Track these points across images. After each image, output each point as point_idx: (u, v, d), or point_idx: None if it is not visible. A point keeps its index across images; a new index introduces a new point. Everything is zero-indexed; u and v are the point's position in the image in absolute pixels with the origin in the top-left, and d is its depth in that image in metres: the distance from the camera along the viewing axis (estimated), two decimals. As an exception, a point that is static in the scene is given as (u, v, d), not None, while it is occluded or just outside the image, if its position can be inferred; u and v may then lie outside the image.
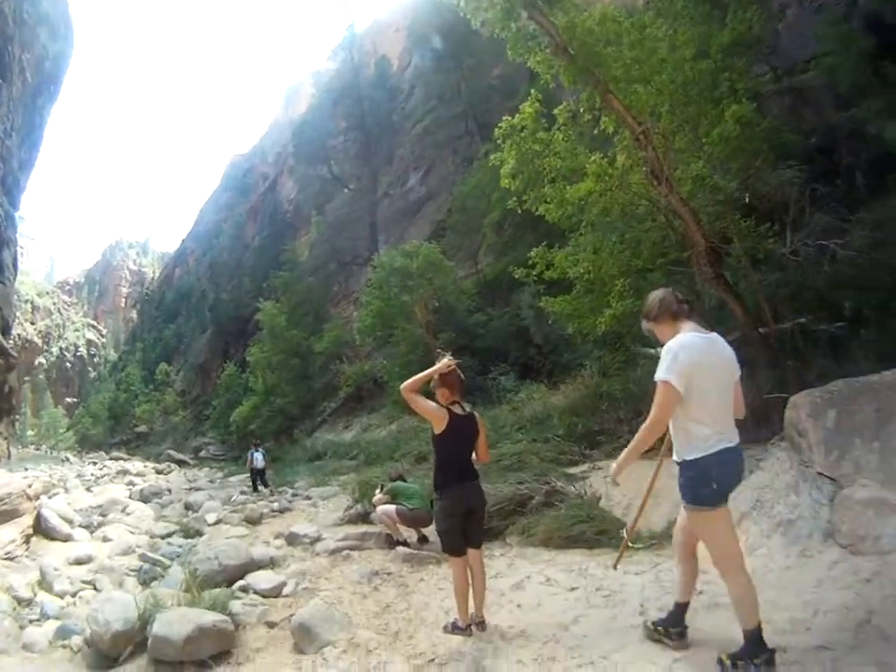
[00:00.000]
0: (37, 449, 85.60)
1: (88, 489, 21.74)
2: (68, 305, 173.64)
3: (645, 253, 10.18)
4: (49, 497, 18.05)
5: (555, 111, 10.47)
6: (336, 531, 9.61)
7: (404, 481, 9.18)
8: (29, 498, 10.83)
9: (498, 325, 20.85)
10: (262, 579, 6.90)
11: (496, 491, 7.82)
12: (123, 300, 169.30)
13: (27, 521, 10.44)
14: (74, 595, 7.51)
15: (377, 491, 9.04)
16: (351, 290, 40.83)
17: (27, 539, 10.16)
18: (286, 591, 6.57)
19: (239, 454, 34.50)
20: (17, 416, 78.04)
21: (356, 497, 11.02)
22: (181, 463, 37.81)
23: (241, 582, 6.90)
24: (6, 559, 9.20)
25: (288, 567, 7.71)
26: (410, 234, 33.65)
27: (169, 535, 11.47)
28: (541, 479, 8.28)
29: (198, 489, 20.13)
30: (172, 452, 41.79)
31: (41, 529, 10.82)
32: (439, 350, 5.08)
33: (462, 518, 4.57)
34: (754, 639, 3.11)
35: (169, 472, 29.92)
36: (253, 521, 12.26)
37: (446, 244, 26.00)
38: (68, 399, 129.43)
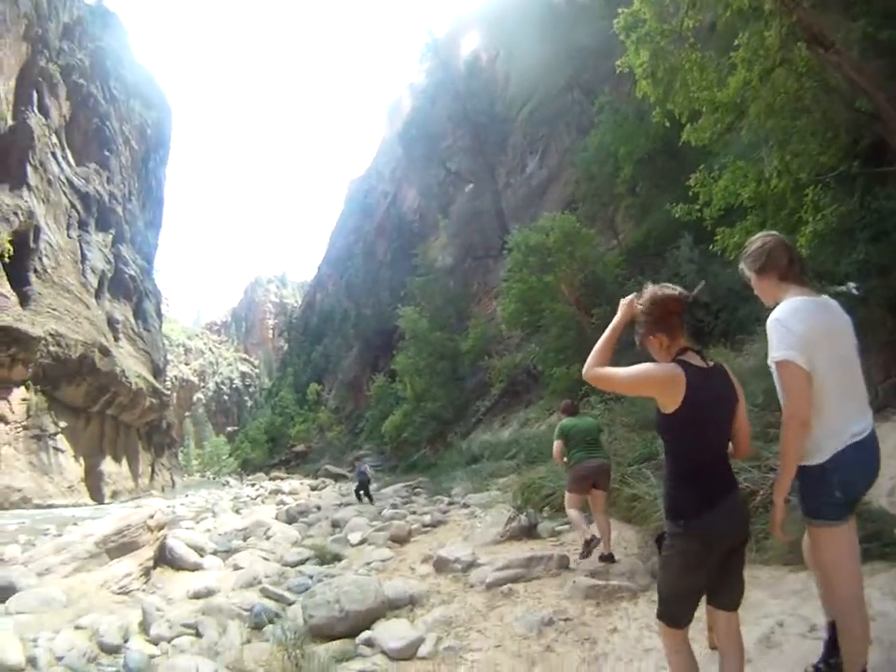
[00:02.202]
0: (202, 476, 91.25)
1: (237, 511, 21.62)
2: (219, 343, 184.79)
3: (833, 148, 7.85)
4: (197, 522, 18.17)
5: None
6: (495, 552, 7.81)
7: (575, 415, 7.15)
8: (150, 530, 10.42)
9: (654, 291, 18.38)
10: (394, 632, 5.17)
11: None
12: (270, 331, 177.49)
13: (147, 553, 9.90)
14: (170, 642, 6.35)
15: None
16: (490, 286, 39.40)
17: (146, 572, 9.55)
18: (423, 651, 4.81)
19: (396, 463, 34.27)
20: (180, 449, 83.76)
21: (518, 504, 9.20)
22: (338, 477, 37.44)
23: (367, 634, 5.36)
24: (120, 594, 8.62)
25: (432, 607, 6.00)
26: (540, 218, 31.99)
27: (302, 562, 10.22)
28: (760, 465, 5.64)
29: (348, 504, 19.03)
30: (329, 467, 41.53)
31: (167, 560, 10.42)
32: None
33: (713, 566, 2.63)
34: None
35: (323, 488, 29.34)
36: (400, 539, 10.74)
37: (580, 217, 23.79)
38: (229, 428, 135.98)
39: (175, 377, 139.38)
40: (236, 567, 10.11)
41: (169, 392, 57.96)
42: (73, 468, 32.17)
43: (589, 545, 6.11)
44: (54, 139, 37.50)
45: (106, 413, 37.59)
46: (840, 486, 2.61)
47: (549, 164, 39.06)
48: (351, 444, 51.80)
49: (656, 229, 20.42)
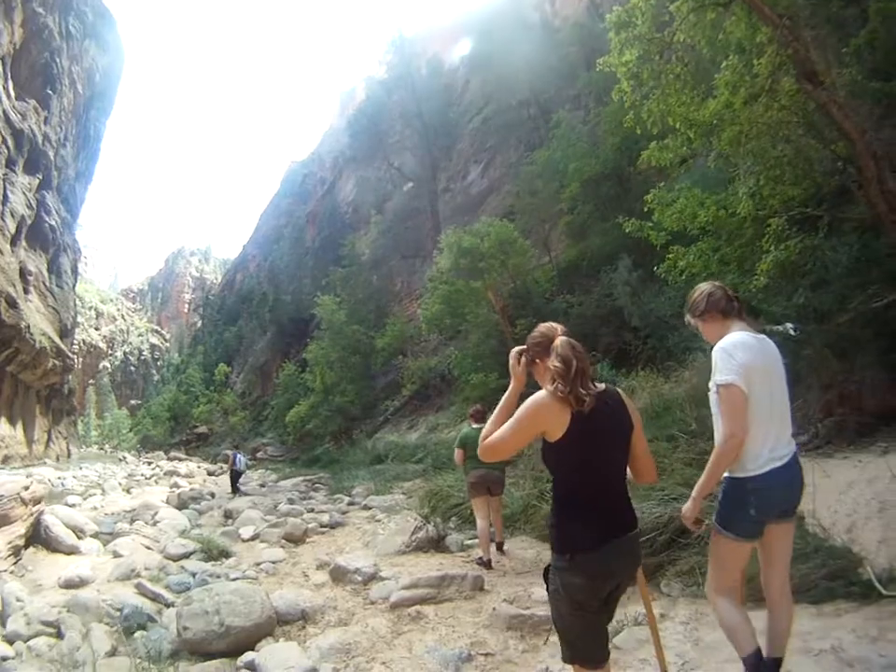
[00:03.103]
0: (100, 449, 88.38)
1: (128, 491, 20.59)
2: (132, 311, 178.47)
3: (805, 183, 7.79)
4: (85, 499, 17.09)
5: (672, 7, 8.14)
6: (400, 564, 7.20)
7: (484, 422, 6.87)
8: (24, 503, 9.16)
9: (583, 310, 18.11)
10: (282, 657, 4.42)
11: (638, 514, 5.11)
12: (186, 305, 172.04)
13: (19, 529, 8.83)
14: (27, 642, 5.57)
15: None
16: (414, 288, 38.99)
17: (16, 552, 8.59)
18: (316, 685, 4.14)
19: (297, 455, 33.44)
20: (80, 417, 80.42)
21: (424, 513, 8.60)
22: (237, 464, 35.94)
23: (250, 656, 4.65)
24: None
25: (327, 627, 5.35)
26: (477, 223, 31.86)
27: (187, 555, 9.41)
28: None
29: (244, 494, 18.16)
30: (229, 452, 40.16)
31: (41, 539, 9.40)
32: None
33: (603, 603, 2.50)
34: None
35: (221, 474, 27.97)
36: (295, 539, 10.08)
37: (516, 229, 23.72)
38: (132, 402, 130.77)
39: (83, 341, 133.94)
40: (116, 555, 9.36)
41: (74, 356, 54.86)
42: None
43: (483, 565, 6.43)
44: None
45: (6, 370, 34.62)
46: (756, 505, 2.84)
47: (491, 175, 39.04)
48: (254, 431, 50.63)
49: (592, 249, 20.29)
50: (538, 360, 2.62)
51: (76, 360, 61.17)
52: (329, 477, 21.06)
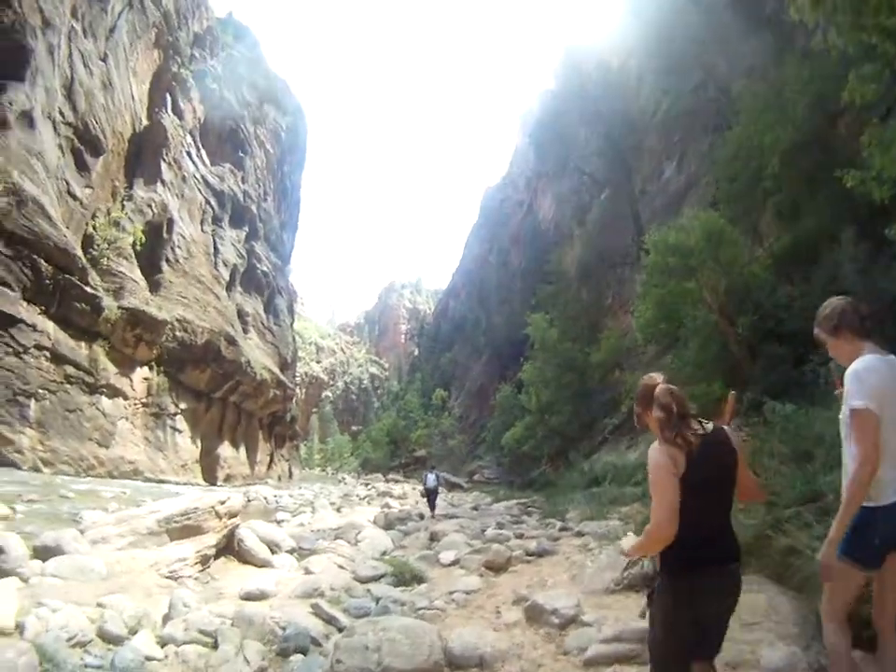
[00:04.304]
0: (322, 471, 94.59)
1: (338, 510, 21.35)
2: (351, 344, 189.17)
3: None
4: (294, 515, 17.67)
5: None
6: (606, 607, 6.19)
7: None
8: (218, 516, 9.93)
9: (807, 302, 15.80)
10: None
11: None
12: (402, 336, 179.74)
13: (210, 540, 9.49)
14: (179, 646, 5.59)
15: None
16: (625, 298, 37.19)
17: (204, 560, 9.14)
18: None
19: (513, 479, 32.94)
20: (304, 442, 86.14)
21: (639, 546, 7.38)
22: (454, 486, 36.46)
23: None
24: (168, 577, 8.17)
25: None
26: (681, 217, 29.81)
27: (377, 578, 9.12)
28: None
29: (454, 516, 17.89)
30: (447, 476, 40.48)
31: (234, 551, 10.19)
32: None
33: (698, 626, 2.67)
34: None
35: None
36: (496, 567, 9.34)
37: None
38: (354, 427, 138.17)
39: (306, 373, 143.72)
40: (307, 571, 9.40)
41: (295, 386, 59.58)
42: (189, 448, 33.32)
43: None
44: (188, 139, 39.17)
45: (229, 400, 38.58)
46: (881, 534, 2.83)
47: (686, 169, 36.48)
48: (472, 454, 50.95)
49: (807, 231, 17.85)
50: (646, 412, 3.00)
51: (298, 390, 65.97)
52: (544, 501, 20.32)
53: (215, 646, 5.60)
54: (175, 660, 5.26)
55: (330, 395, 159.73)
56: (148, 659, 5.21)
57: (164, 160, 35.15)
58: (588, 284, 41.32)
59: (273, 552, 10.50)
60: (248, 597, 7.56)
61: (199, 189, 39.20)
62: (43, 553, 8.36)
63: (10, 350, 22.48)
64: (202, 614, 6.29)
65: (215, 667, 4.94)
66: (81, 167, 28.63)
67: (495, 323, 63.24)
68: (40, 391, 23.64)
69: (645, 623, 4.55)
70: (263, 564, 9.79)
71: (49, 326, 24.28)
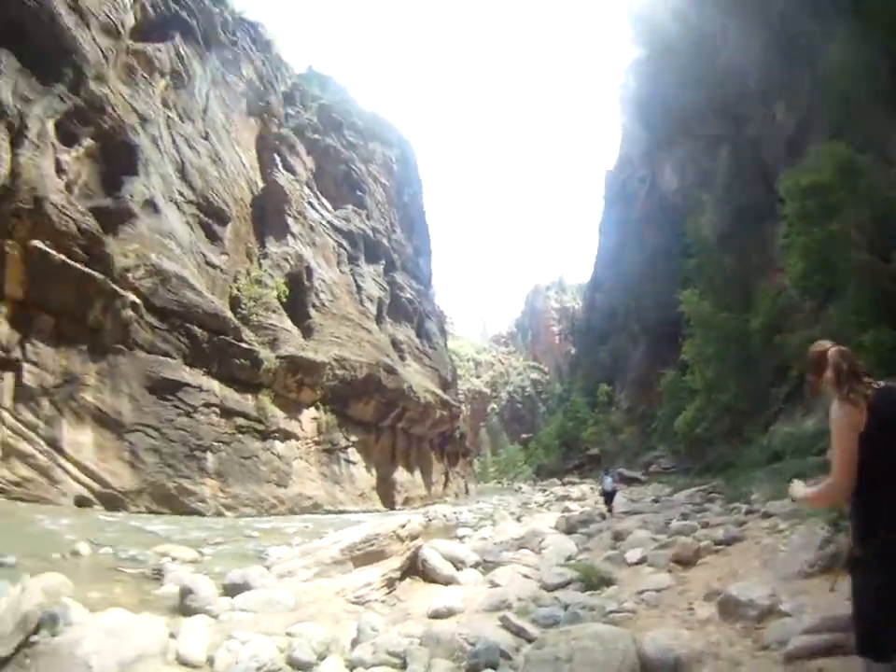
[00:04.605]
0: (498, 483, 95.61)
1: (518, 519, 21.22)
2: (507, 354, 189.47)
3: None
4: (476, 530, 17.88)
5: None
6: (804, 592, 5.65)
7: None
8: (400, 539, 10.23)
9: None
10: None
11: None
12: (556, 336, 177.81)
13: (394, 563, 9.65)
14: (367, 669, 5.66)
15: None
16: (771, 257, 34.89)
17: (389, 583, 9.26)
18: None
19: (689, 464, 31.89)
20: (476, 457, 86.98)
21: (833, 517, 6.88)
22: (631, 481, 35.55)
23: None
24: (354, 603, 8.35)
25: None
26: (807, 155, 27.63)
27: (564, 584, 8.80)
28: None
29: (636, 512, 17.36)
30: (622, 470, 39.44)
31: (419, 571, 10.07)
32: None
33: None
34: None
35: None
36: (684, 561, 8.89)
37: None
38: (523, 435, 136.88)
39: (468, 390, 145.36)
40: (493, 584, 9.26)
41: (460, 404, 60.51)
42: (364, 477, 34.69)
43: None
44: (306, 190, 41.32)
45: (397, 427, 39.93)
46: None
47: (797, 105, 33.64)
48: (644, 445, 49.54)
49: None
50: (819, 379, 2.90)
51: (463, 408, 66.78)
52: (724, 484, 19.36)
53: (403, 666, 5.61)
54: None
55: (496, 406, 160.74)
56: None
57: (288, 214, 37.14)
58: (729, 248, 39.00)
59: (457, 568, 10.51)
60: (436, 615, 7.53)
61: (328, 234, 41.14)
62: (231, 590, 8.81)
63: (182, 411, 24.48)
64: (390, 636, 6.32)
65: None
66: (212, 237, 30.95)
67: (645, 307, 60.87)
68: (215, 444, 25.51)
69: (849, 609, 4.10)
70: (448, 581, 9.77)
71: (214, 384, 26.20)
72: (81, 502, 21.03)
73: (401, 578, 9.60)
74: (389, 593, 9.02)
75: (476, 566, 11.17)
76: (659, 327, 55.38)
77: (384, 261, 47.38)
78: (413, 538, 10.39)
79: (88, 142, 25.69)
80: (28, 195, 21.54)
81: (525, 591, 8.28)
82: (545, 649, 4.64)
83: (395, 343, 44.07)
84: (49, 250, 21.41)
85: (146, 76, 29.96)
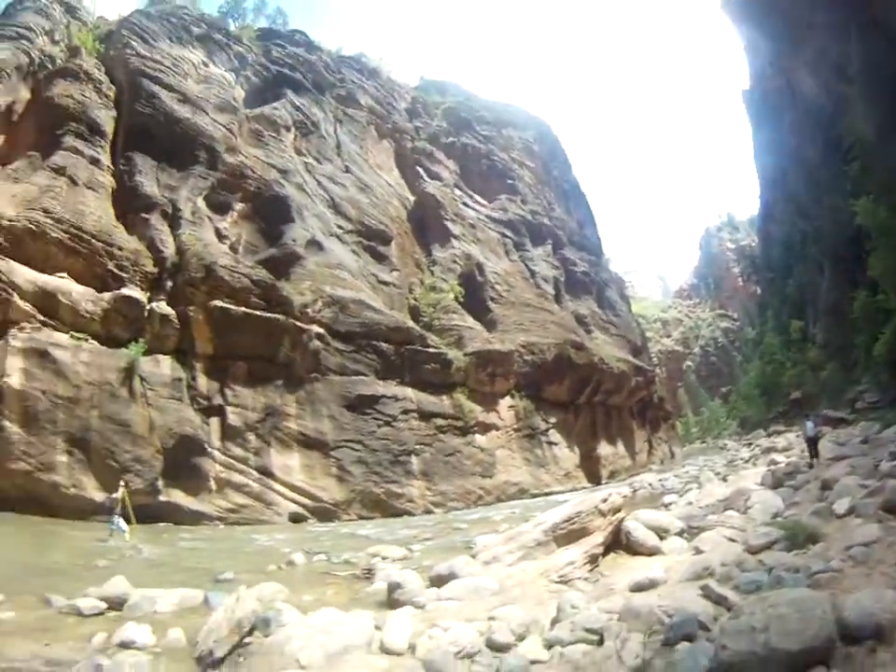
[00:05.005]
0: (702, 442, 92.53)
1: (724, 479, 20.73)
2: (693, 307, 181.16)
3: None
4: (681, 495, 17.98)
5: None
6: None
7: None
8: (602, 514, 10.29)
9: None
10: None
11: None
12: (738, 279, 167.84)
13: (596, 539, 9.87)
14: (564, 647, 5.75)
15: None
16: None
17: (593, 560, 9.52)
18: None
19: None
20: (678, 419, 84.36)
21: None
22: (837, 422, 32.76)
23: None
24: (558, 582, 8.60)
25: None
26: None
27: (769, 545, 8.54)
28: None
29: (843, 457, 16.00)
30: (827, 412, 36.69)
31: (622, 544, 10.26)
32: None
33: None
34: None
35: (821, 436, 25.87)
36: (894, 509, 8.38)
37: None
38: (722, 389, 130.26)
39: (660, 351, 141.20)
40: (697, 551, 9.20)
41: (654, 367, 60.30)
42: (567, 456, 35.51)
43: None
44: (456, 192, 42.91)
45: (594, 401, 40.32)
46: None
47: None
48: (846, 381, 45.74)
49: None
50: None
51: (657, 371, 65.25)
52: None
53: (600, 643, 5.63)
54: (559, 661, 5.46)
55: (690, 364, 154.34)
56: (533, 662, 5.50)
57: (446, 218, 38.71)
58: (892, 140, 35.41)
59: (661, 537, 10.50)
60: (638, 588, 7.57)
61: (489, 228, 42.33)
62: (438, 581, 9.50)
63: (381, 422, 26.68)
64: (589, 613, 6.49)
65: (598, 664, 5.01)
66: (379, 258, 33.11)
67: (820, 228, 56.13)
68: (417, 446, 27.47)
69: None
70: (652, 552, 9.79)
71: (409, 391, 28.19)
72: (296, 518, 23.58)
73: (605, 553, 9.78)
74: (593, 569, 9.22)
75: (681, 533, 11.10)
76: (840, 246, 50.65)
77: (550, 241, 47.82)
78: (616, 511, 10.44)
79: (239, 206, 28.65)
80: (198, 265, 24.49)
81: (728, 555, 8.18)
82: (741, 618, 4.59)
83: (578, 319, 44.48)
84: (229, 305, 24.31)
85: (273, 134, 32.96)
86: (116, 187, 26.75)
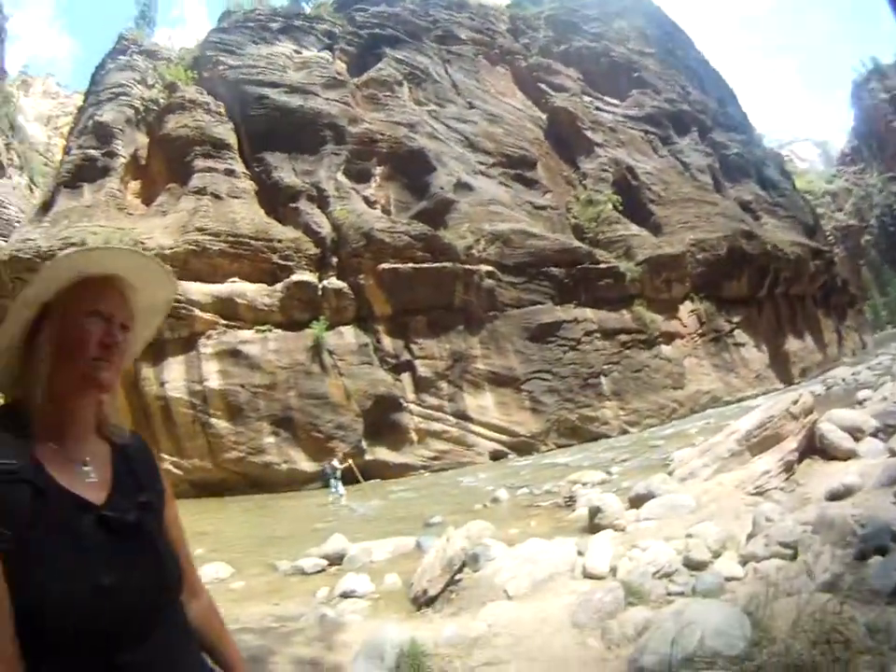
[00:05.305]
0: (894, 327, 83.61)
1: None
2: (860, 173, 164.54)
3: None
4: (875, 390, 15.98)
5: None
6: None
7: None
8: (794, 417, 9.43)
9: None
10: None
11: None
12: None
13: (790, 445, 8.97)
14: (758, 562, 5.49)
15: None
16: None
17: (788, 467, 8.70)
18: None
19: None
20: (866, 303, 76.77)
21: None
22: None
23: None
24: (754, 494, 8.16)
25: None
26: None
27: None
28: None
29: None
30: None
31: (817, 449, 9.21)
32: None
33: None
34: None
35: None
36: None
37: None
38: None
39: (834, 228, 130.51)
40: (892, 453, 8.36)
41: (831, 247, 55.49)
42: (756, 357, 33.59)
43: None
44: (586, 99, 41.17)
45: (775, 293, 37.78)
46: None
47: None
48: None
49: None
50: None
51: (835, 251, 60.64)
52: None
53: (794, 557, 5.32)
54: (753, 577, 5.27)
55: (870, 238, 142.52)
56: (728, 580, 5.34)
57: (584, 128, 37.10)
58: None
59: (856, 439, 9.44)
60: (833, 497, 7.06)
61: (629, 128, 40.11)
62: (636, 501, 9.35)
63: (567, 347, 26.52)
64: (783, 525, 6.10)
65: (791, 579, 4.67)
66: (529, 184, 32.47)
67: None
68: (605, 367, 27.08)
69: None
70: (848, 455, 8.90)
71: (588, 313, 27.77)
72: (496, 456, 24.00)
73: (799, 459, 9.06)
74: (788, 478, 8.68)
75: (876, 433, 9.86)
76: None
77: (695, 128, 44.60)
78: (808, 413, 9.64)
79: (378, 170, 29.04)
80: (356, 234, 25.14)
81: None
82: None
83: (743, 206, 41.38)
84: (396, 265, 24.78)
85: (387, 94, 32.81)
86: (257, 188, 27.93)
